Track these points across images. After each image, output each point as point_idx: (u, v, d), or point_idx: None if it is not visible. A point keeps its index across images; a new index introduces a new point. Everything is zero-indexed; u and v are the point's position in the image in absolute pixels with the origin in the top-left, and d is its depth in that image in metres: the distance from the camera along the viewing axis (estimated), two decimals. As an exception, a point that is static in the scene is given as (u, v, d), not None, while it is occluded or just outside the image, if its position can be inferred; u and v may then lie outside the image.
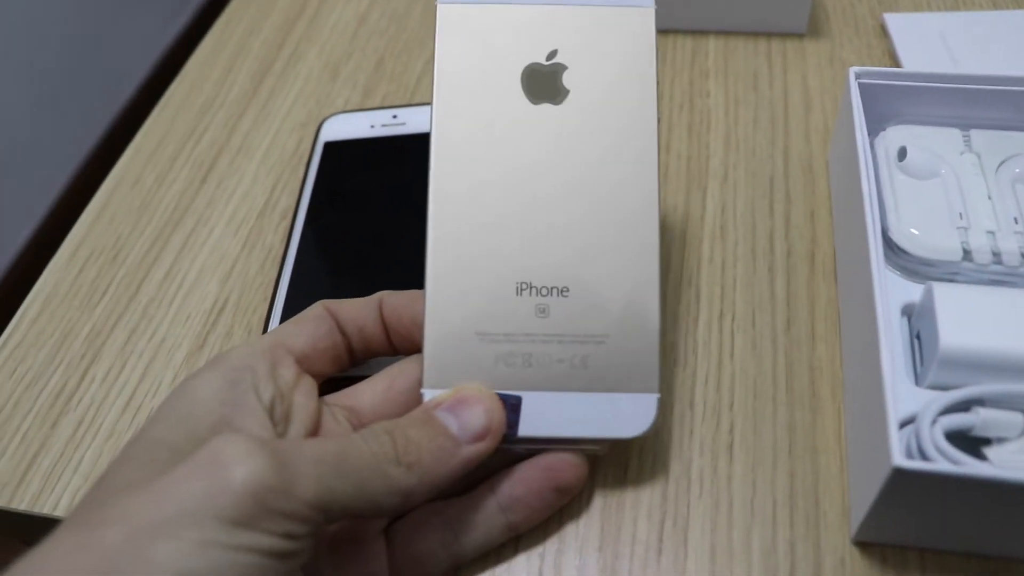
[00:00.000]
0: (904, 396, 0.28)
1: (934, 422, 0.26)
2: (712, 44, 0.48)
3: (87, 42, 1.58)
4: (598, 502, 0.31)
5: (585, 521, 0.30)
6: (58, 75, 1.51)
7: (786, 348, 0.34)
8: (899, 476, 0.23)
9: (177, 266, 0.40)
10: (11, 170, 1.41)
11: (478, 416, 0.27)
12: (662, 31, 0.49)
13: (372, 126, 0.43)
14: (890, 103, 0.37)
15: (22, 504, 0.33)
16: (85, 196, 0.45)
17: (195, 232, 0.42)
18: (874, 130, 0.37)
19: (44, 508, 0.33)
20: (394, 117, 0.43)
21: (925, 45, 0.46)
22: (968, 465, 0.24)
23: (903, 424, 0.27)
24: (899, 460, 0.23)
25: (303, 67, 0.50)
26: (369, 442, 0.25)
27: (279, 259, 0.39)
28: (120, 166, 0.46)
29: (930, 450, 0.25)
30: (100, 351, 0.38)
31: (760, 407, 0.32)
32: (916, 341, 0.30)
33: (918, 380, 0.29)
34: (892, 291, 0.32)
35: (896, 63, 0.46)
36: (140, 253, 0.41)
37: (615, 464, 0.31)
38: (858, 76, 0.37)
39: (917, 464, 0.23)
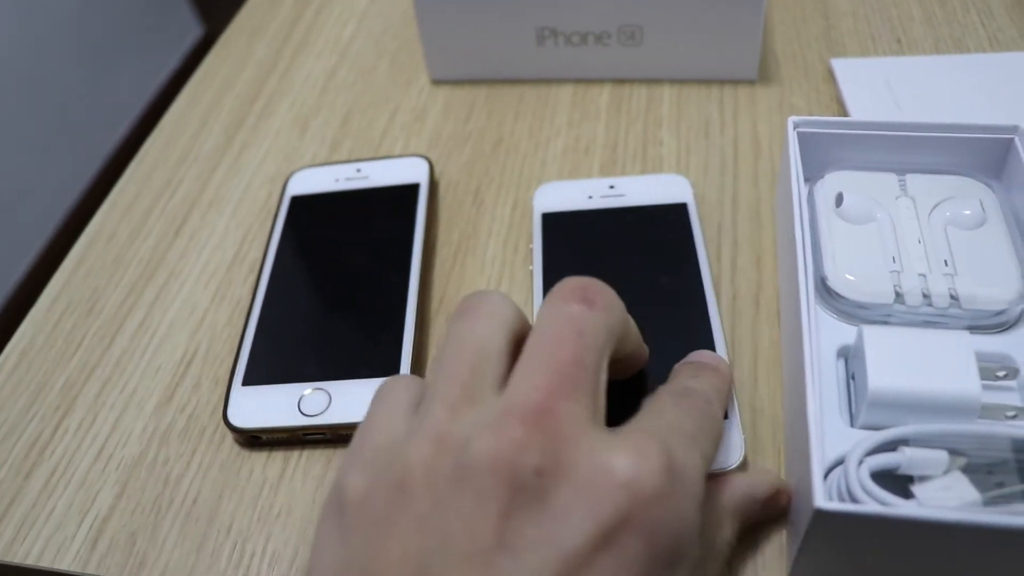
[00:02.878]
0: (838, 437, 0.30)
1: (860, 463, 0.27)
2: (667, 92, 0.50)
3: (74, 94, 1.60)
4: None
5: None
6: (44, 127, 1.52)
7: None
8: (821, 517, 0.24)
9: (149, 319, 0.42)
10: (1, 215, 1.42)
11: None
12: (618, 80, 0.51)
13: (336, 180, 0.44)
14: (830, 150, 0.39)
15: (-5, 554, 0.34)
16: (68, 248, 0.46)
17: (167, 285, 0.43)
18: (815, 176, 0.38)
19: (16, 558, 0.34)
20: (358, 171, 0.45)
21: (870, 90, 0.48)
22: (888, 505, 0.25)
23: (836, 464, 0.29)
24: (820, 502, 0.24)
25: (274, 121, 0.52)
26: None
27: (246, 310, 0.40)
28: (96, 220, 0.48)
29: (857, 490, 0.26)
30: (74, 402, 0.39)
31: (704, 448, 0.34)
32: (852, 382, 0.32)
33: (852, 421, 0.31)
34: (829, 334, 0.33)
35: (843, 108, 0.48)
36: (114, 306, 0.43)
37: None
38: (796, 125, 0.38)
39: (836, 505, 0.24)
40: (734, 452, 0.32)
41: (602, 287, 0.27)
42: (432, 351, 0.39)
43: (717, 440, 0.28)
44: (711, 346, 0.36)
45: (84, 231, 0.47)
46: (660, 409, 0.26)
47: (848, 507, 0.24)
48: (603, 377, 0.25)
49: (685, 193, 0.43)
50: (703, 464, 0.25)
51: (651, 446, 0.22)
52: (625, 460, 0.22)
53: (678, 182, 0.43)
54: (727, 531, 0.28)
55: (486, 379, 0.24)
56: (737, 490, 0.29)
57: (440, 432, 0.23)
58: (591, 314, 0.25)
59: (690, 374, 0.30)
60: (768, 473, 0.31)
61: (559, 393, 0.23)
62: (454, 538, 0.21)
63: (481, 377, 0.24)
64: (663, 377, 0.35)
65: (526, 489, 0.21)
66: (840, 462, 0.29)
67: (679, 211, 0.42)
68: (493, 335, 0.25)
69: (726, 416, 0.32)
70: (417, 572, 0.21)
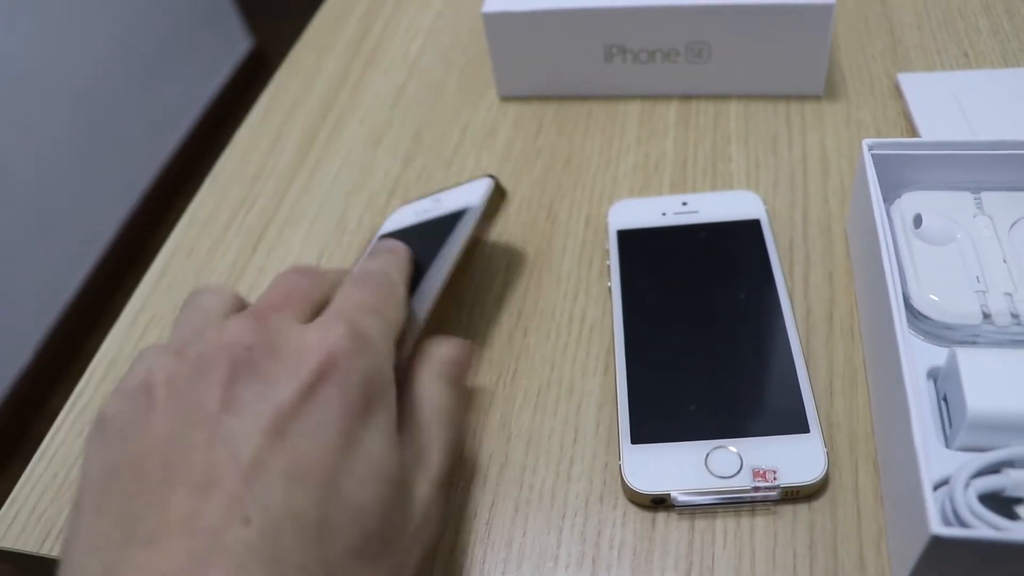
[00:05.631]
0: (935, 459, 0.30)
1: (967, 486, 0.28)
2: (733, 108, 0.51)
3: (125, 106, 1.60)
4: (627, 553, 0.33)
5: (616, 571, 0.32)
6: (96, 140, 1.53)
7: (811, 406, 0.36)
8: (936, 543, 0.25)
9: (236, 334, 0.43)
10: (57, 227, 1.43)
11: None
12: (684, 96, 0.52)
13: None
14: (903, 171, 0.39)
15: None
16: (131, 250, 0.47)
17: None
18: (889, 197, 0.39)
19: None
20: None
21: (939, 105, 0.48)
22: (1002, 530, 0.26)
23: (936, 486, 0.29)
24: (936, 528, 0.25)
25: (346, 137, 0.53)
26: None
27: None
28: (176, 235, 0.49)
29: (965, 514, 0.27)
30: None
31: (792, 465, 0.34)
32: (943, 404, 0.32)
33: (948, 442, 0.31)
34: (917, 356, 0.34)
35: (911, 124, 0.48)
36: (200, 321, 0.44)
37: (642, 518, 0.34)
38: (871, 148, 0.39)
39: (953, 531, 0.25)
40: (817, 466, 0.33)
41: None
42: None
43: (399, 303, 0.33)
44: (790, 361, 0.37)
45: (164, 245, 0.48)
46: (344, 294, 0.32)
47: (964, 533, 0.25)
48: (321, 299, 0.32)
49: (757, 209, 0.43)
50: (385, 325, 0.31)
51: (335, 322, 0.29)
52: (316, 335, 0.28)
53: (750, 198, 0.44)
54: (435, 391, 0.32)
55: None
56: (432, 355, 0.33)
57: (176, 348, 0.28)
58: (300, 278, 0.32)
59: (369, 258, 0.36)
60: (451, 339, 0.35)
61: (270, 309, 0.30)
62: (190, 411, 0.26)
63: (207, 323, 0.30)
64: (745, 395, 0.36)
65: (242, 362, 0.27)
66: (940, 483, 0.29)
67: (753, 227, 0.43)
68: (214, 302, 0.32)
69: None
70: (169, 446, 0.25)
